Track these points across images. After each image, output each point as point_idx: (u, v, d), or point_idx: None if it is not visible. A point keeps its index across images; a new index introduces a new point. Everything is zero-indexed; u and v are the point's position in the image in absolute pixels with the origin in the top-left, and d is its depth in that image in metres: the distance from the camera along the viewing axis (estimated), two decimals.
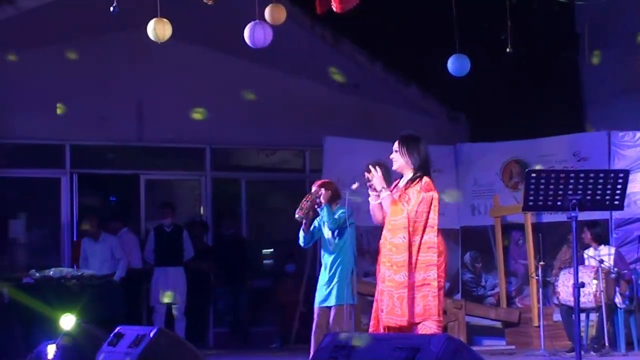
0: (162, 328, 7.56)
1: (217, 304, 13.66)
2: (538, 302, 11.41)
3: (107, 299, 10.86)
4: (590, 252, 10.93)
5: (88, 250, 12.12)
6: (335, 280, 8.18)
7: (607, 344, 10.34)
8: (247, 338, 13.40)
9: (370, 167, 6.70)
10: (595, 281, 10.31)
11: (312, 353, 7.48)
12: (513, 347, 11.90)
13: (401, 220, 6.44)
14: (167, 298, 12.37)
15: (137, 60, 12.92)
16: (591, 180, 6.17)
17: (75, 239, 13.01)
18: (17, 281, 10.69)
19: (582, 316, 10.59)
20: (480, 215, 12.69)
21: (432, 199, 6.50)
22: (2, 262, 12.61)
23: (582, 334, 10.45)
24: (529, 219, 12.01)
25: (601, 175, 6.22)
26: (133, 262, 12.63)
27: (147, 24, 8.89)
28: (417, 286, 6.41)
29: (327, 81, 13.71)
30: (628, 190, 6.29)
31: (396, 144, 6.72)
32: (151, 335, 7.10)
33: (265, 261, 14.80)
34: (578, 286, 6.22)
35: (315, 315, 8.29)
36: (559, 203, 6.20)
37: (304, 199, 8.20)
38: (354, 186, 7.09)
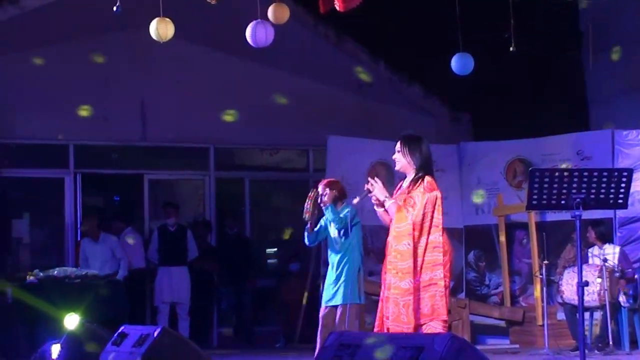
0: (166, 328, 7.55)
1: (221, 304, 13.65)
2: (542, 301, 11.40)
3: (111, 298, 10.85)
4: (594, 250, 10.92)
5: (88, 251, 12.11)
6: (342, 279, 8.19)
7: (611, 342, 10.35)
8: (251, 337, 13.40)
9: (369, 179, 6.69)
10: (599, 280, 10.31)
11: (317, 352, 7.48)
12: (517, 346, 11.90)
13: (405, 227, 6.44)
14: None
15: (140, 60, 12.93)
16: (595, 179, 6.15)
17: (79, 238, 13.01)
18: (21, 281, 10.69)
19: (586, 315, 10.58)
20: (484, 214, 12.69)
21: (435, 199, 6.50)
22: (6, 262, 12.61)
23: (586, 333, 10.45)
24: (532, 217, 12.00)
25: (605, 174, 6.21)
26: (136, 262, 12.64)
27: (149, 24, 8.90)
28: (424, 286, 6.41)
29: (330, 80, 13.71)
30: (632, 189, 6.28)
31: (398, 145, 6.72)
32: (155, 334, 7.10)
33: (269, 260, 14.80)
34: (582, 285, 6.21)
35: (322, 314, 8.30)
36: (563, 202, 6.18)
37: (306, 202, 8.22)
38: (355, 201, 7.09)
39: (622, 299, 10.70)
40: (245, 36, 9.11)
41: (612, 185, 6.17)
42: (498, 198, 12.41)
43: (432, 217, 6.48)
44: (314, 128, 13.27)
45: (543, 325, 11.05)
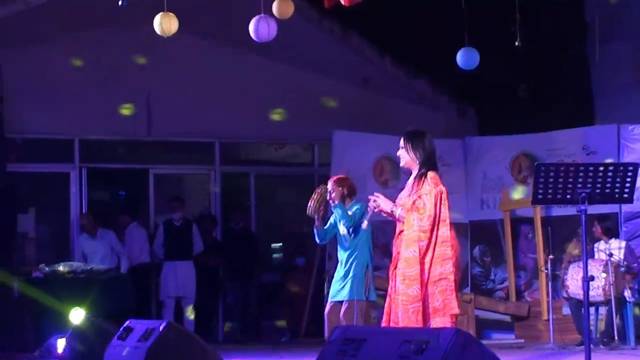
0: (172, 322, 7.57)
1: (227, 298, 13.66)
2: (547, 295, 11.39)
3: (117, 293, 10.86)
4: (600, 245, 10.91)
5: (85, 247, 12.13)
6: (350, 275, 8.22)
7: (616, 337, 10.34)
8: (256, 332, 13.41)
9: (369, 197, 6.68)
10: (604, 275, 10.30)
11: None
12: (522, 340, 11.89)
13: (413, 233, 6.43)
14: None
15: (146, 55, 12.93)
16: (600, 174, 6.14)
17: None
18: (27, 275, 10.71)
19: (592, 310, 10.58)
20: (489, 209, 12.67)
21: (440, 193, 6.48)
22: (12, 257, 12.61)
23: (592, 328, 10.43)
24: (538, 212, 11.99)
25: (610, 168, 6.19)
26: (142, 257, 12.65)
27: (154, 18, 8.91)
28: (434, 281, 6.41)
29: (335, 75, 13.70)
30: (637, 184, 6.26)
31: (401, 141, 6.71)
32: (160, 329, 7.11)
33: (274, 255, 14.81)
34: (587, 280, 6.20)
35: (326, 311, 8.32)
36: (568, 196, 6.17)
37: (311, 198, 8.23)
38: (364, 225, 7.12)
39: (627, 293, 10.68)
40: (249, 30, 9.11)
41: (618, 179, 6.16)
42: (503, 193, 12.39)
43: (439, 212, 6.48)
44: (320, 123, 13.27)
45: (548, 320, 11.04)
